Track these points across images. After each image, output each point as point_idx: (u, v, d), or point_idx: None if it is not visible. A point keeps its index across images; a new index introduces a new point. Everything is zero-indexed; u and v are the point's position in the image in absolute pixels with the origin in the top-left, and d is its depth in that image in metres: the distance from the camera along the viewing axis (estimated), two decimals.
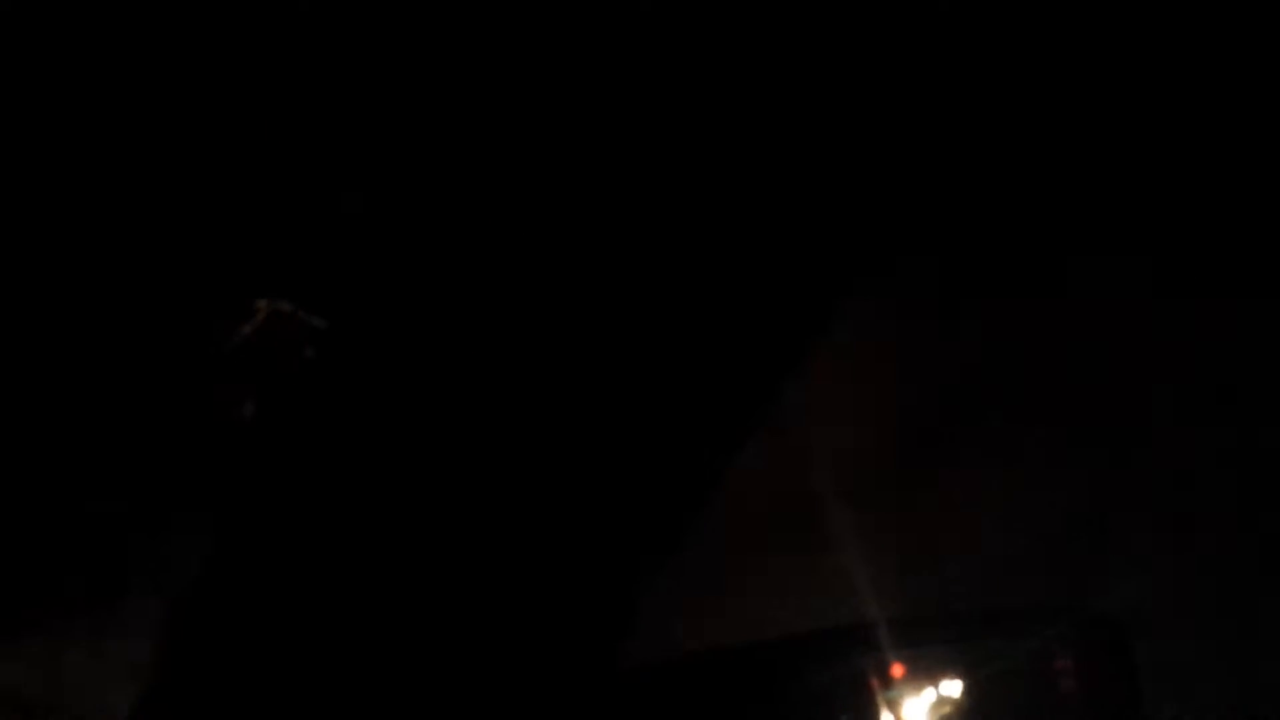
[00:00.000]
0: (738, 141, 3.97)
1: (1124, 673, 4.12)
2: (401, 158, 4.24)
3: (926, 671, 4.23)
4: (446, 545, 4.56)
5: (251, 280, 4.54)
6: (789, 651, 4.05)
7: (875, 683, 4.19)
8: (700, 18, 3.72)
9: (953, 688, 4.30)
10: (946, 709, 4.29)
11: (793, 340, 4.20)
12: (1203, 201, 4.13)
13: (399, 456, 4.52)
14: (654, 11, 3.74)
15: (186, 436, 4.60)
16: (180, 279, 4.48)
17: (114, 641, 4.63)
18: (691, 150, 3.96)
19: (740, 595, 4.13)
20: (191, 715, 4.48)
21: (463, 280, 4.29)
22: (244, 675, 4.39)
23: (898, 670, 4.22)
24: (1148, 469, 4.19)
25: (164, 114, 4.10)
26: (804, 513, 4.14)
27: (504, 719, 4.07)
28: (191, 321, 4.50)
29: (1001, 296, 4.26)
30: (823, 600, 4.08)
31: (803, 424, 4.12)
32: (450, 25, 3.95)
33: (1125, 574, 4.13)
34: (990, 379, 4.25)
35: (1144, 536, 4.20)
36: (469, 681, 4.30)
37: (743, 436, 4.21)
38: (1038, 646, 4.21)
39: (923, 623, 4.20)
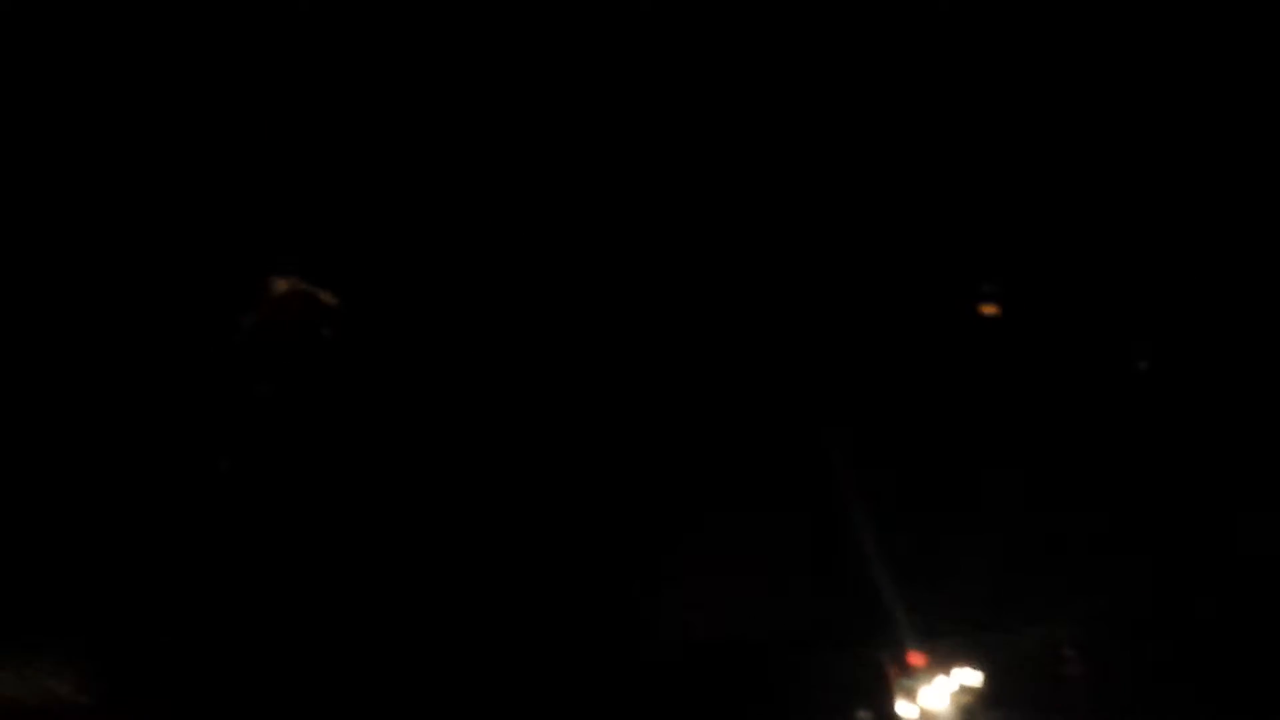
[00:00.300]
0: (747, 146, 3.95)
1: (1127, 663, 4.28)
2: (415, 147, 4.16)
3: (943, 661, 4.36)
4: (460, 531, 4.55)
5: (268, 259, 4.44)
6: (811, 641, 4.12)
7: (894, 671, 4.30)
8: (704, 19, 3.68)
9: (968, 676, 4.44)
10: (965, 696, 4.42)
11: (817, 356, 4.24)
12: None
13: (414, 438, 4.49)
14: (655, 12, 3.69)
15: (202, 418, 4.52)
16: (197, 257, 4.37)
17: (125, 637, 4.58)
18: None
19: (765, 588, 4.18)
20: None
21: (493, 265, 4.24)
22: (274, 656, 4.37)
23: (917, 659, 4.33)
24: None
25: (186, 100, 3.99)
26: (828, 512, 4.19)
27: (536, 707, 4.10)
28: (208, 300, 4.40)
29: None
30: (844, 593, 4.16)
31: (828, 431, 4.17)
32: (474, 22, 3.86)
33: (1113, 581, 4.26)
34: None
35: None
36: (490, 671, 4.32)
37: (767, 439, 4.26)
38: (1048, 638, 4.35)
39: (940, 615, 4.31)
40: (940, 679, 4.33)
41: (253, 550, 4.62)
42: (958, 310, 4.22)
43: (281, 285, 4.39)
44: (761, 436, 4.30)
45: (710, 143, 3.97)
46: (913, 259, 4.19)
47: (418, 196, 4.25)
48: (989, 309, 4.06)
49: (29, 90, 3.83)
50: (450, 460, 4.45)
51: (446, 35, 3.88)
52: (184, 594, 4.64)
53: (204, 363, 4.45)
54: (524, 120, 3.95)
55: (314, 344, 4.46)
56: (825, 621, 4.20)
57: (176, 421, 4.52)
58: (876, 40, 3.76)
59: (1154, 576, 4.29)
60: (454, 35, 3.88)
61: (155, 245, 4.28)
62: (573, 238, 4.13)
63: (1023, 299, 4.07)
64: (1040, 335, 4.18)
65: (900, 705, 4.28)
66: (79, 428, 4.38)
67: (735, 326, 4.29)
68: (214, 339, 4.42)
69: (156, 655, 4.66)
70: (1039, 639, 4.37)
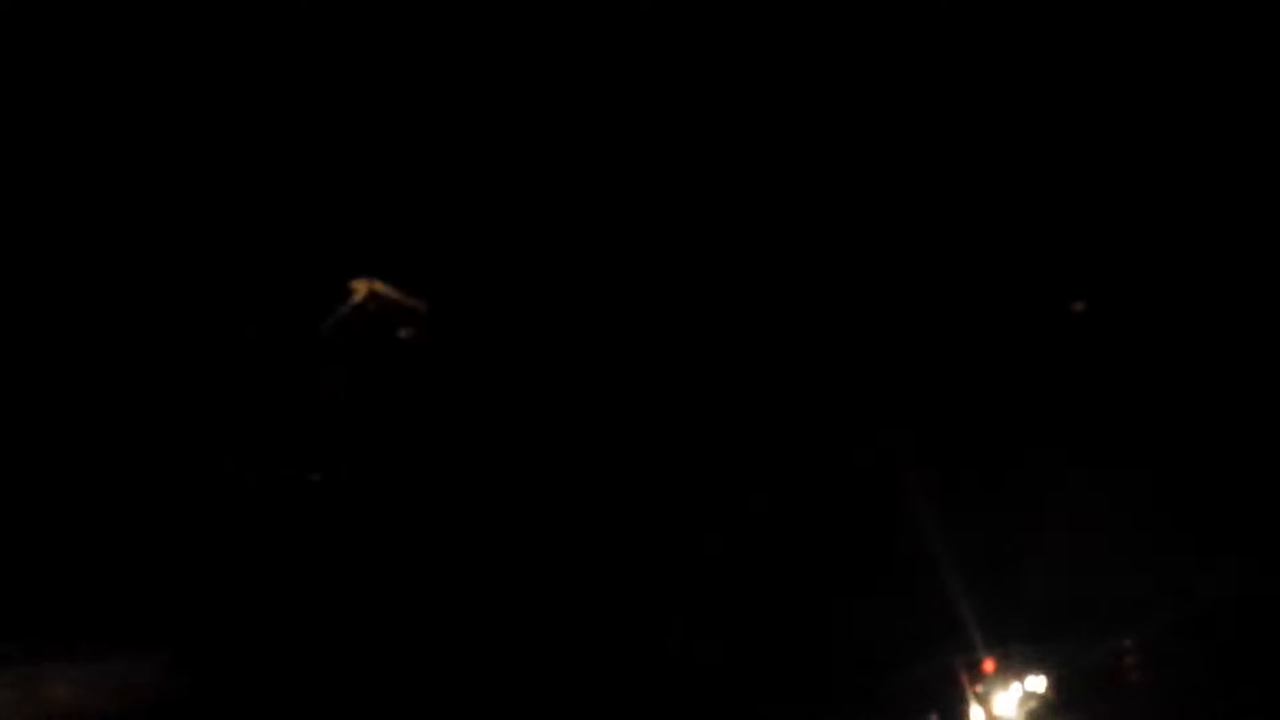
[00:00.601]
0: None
1: (1192, 672, 4.38)
2: (498, 154, 4.16)
3: (1014, 668, 4.47)
4: (536, 536, 4.59)
5: (348, 261, 4.47)
6: (887, 648, 4.21)
7: (966, 678, 4.40)
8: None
9: (1038, 683, 4.55)
10: (1032, 702, 4.53)
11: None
12: None
13: (492, 442, 4.52)
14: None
15: (276, 419, 4.54)
16: (278, 259, 4.38)
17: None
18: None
19: (840, 595, 4.25)
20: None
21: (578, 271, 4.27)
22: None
23: (988, 666, 4.44)
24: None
25: (267, 100, 3.99)
26: (904, 525, 4.26)
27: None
28: (288, 301, 4.42)
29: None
30: (920, 601, 4.23)
31: (900, 446, 4.23)
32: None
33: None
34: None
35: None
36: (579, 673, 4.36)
37: (841, 450, 4.31)
38: (1114, 646, 4.45)
39: (1011, 624, 4.40)
40: (1011, 685, 4.43)
41: (320, 550, 4.65)
42: (1028, 313, 4.23)
43: (361, 287, 4.43)
44: (837, 448, 4.35)
45: (793, 149, 3.97)
46: (995, 261, 4.18)
47: (502, 201, 4.27)
48: (1073, 307, 4.06)
49: (115, 97, 3.84)
50: (532, 467, 4.48)
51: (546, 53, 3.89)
52: (249, 593, 4.66)
53: (281, 364, 4.48)
54: (611, 137, 3.97)
55: (392, 347, 4.50)
56: (901, 628, 4.27)
57: (248, 422, 4.55)
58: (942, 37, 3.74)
59: (1219, 586, 4.38)
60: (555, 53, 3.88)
61: (238, 248, 4.30)
62: (657, 248, 4.16)
63: (1103, 300, 4.08)
64: (1113, 344, 4.21)
65: (972, 710, 4.37)
66: (147, 427, 4.39)
67: (807, 329, 4.32)
68: (292, 340, 4.45)
69: (221, 657, 4.68)
70: (1105, 648, 4.47)
